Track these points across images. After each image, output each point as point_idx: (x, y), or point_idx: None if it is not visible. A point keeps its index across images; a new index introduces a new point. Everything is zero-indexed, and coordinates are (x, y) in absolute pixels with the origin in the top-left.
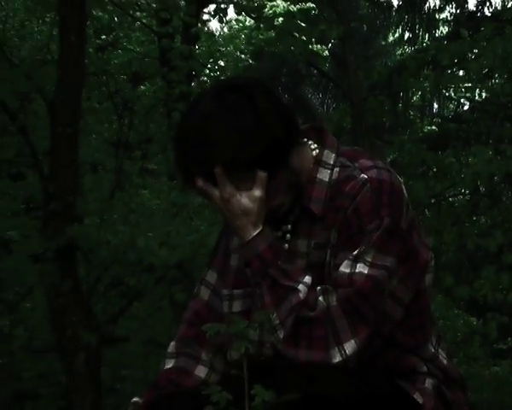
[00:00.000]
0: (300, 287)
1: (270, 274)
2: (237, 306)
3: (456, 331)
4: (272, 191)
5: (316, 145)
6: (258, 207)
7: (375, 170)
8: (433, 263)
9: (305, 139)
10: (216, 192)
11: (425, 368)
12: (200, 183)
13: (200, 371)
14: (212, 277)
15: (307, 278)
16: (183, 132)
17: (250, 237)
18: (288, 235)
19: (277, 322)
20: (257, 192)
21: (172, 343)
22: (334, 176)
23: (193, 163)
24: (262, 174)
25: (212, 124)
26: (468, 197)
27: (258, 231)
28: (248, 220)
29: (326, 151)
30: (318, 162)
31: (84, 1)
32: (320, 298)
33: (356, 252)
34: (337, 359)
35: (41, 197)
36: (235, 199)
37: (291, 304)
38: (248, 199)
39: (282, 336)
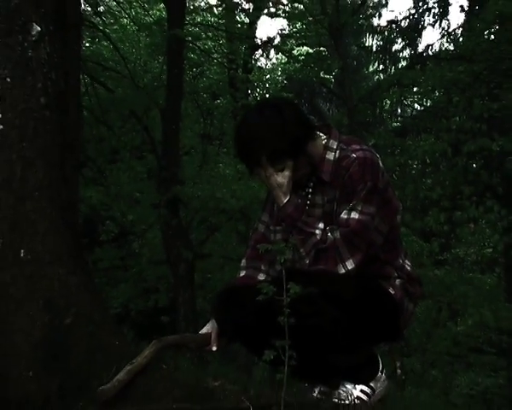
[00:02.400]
0: (317, 232)
1: (298, 225)
2: (279, 236)
3: (412, 250)
4: (298, 167)
5: (325, 136)
6: (288, 182)
7: (361, 151)
8: (401, 208)
9: (318, 132)
10: (262, 172)
11: (396, 274)
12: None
13: (261, 277)
14: (265, 217)
15: (321, 225)
16: (238, 135)
17: (283, 203)
18: (310, 196)
19: (304, 254)
20: (286, 173)
21: (243, 260)
22: (337, 156)
23: (245, 154)
24: (290, 162)
25: (255, 130)
26: (420, 166)
27: (287, 199)
28: (281, 191)
29: (331, 140)
30: (326, 147)
31: (182, 48)
32: (329, 234)
33: (351, 204)
34: (342, 270)
35: (156, 169)
36: (273, 177)
37: (312, 243)
38: (281, 177)
39: (307, 262)
